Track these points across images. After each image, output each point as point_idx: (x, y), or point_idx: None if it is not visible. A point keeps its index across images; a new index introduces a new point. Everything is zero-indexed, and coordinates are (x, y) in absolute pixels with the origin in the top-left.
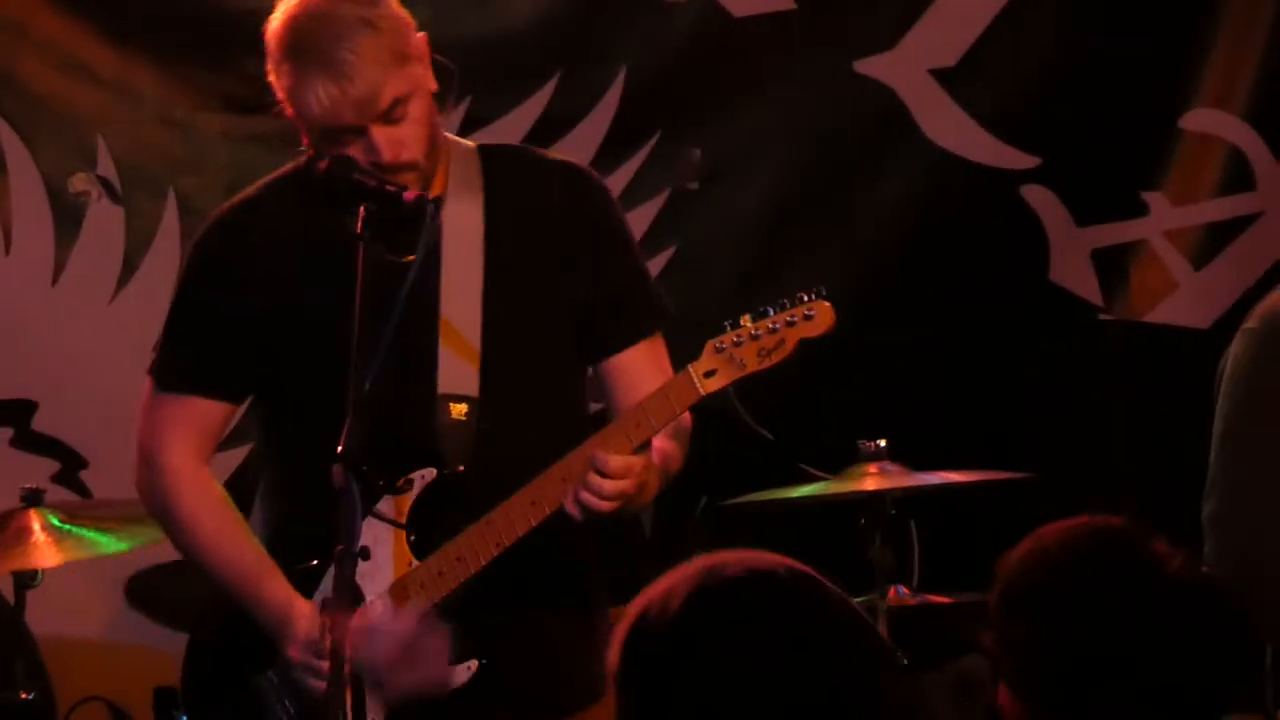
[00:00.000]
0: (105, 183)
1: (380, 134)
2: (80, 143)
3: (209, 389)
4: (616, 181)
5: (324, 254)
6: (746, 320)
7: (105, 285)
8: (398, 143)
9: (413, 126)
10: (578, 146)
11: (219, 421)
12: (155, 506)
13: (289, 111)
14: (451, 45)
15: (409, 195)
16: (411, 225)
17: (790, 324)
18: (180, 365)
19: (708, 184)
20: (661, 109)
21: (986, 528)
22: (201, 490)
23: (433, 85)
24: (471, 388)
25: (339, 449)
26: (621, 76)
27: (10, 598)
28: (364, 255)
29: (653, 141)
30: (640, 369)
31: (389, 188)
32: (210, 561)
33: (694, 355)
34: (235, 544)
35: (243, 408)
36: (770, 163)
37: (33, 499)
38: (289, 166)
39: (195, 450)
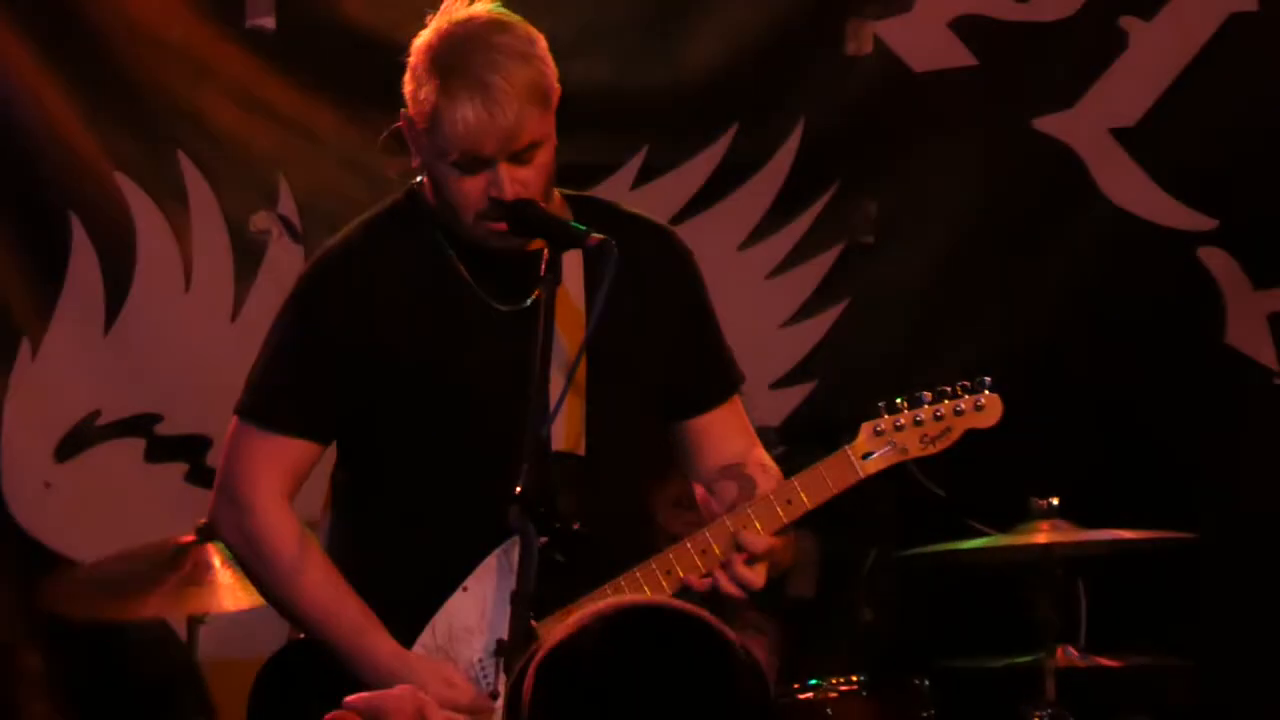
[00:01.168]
0: (286, 221)
1: (507, 171)
2: (262, 181)
3: (302, 429)
4: (792, 234)
5: (423, 296)
6: (902, 403)
7: None
8: (521, 183)
9: (537, 171)
10: (753, 197)
11: (307, 463)
12: (242, 546)
13: (418, 125)
14: (629, 95)
15: (593, 238)
16: (530, 271)
17: (959, 413)
18: (275, 403)
19: (883, 238)
20: (838, 162)
21: (1153, 591)
22: (294, 535)
23: (554, 139)
24: (578, 444)
25: (517, 490)
26: (799, 128)
27: (182, 631)
28: (545, 299)
29: (829, 194)
30: (725, 429)
31: (573, 226)
32: (307, 610)
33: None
34: (336, 593)
35: (329, 449)
36: (946, 218)
37: (208, 533)
38: (386, 204)
39: (283, 491)
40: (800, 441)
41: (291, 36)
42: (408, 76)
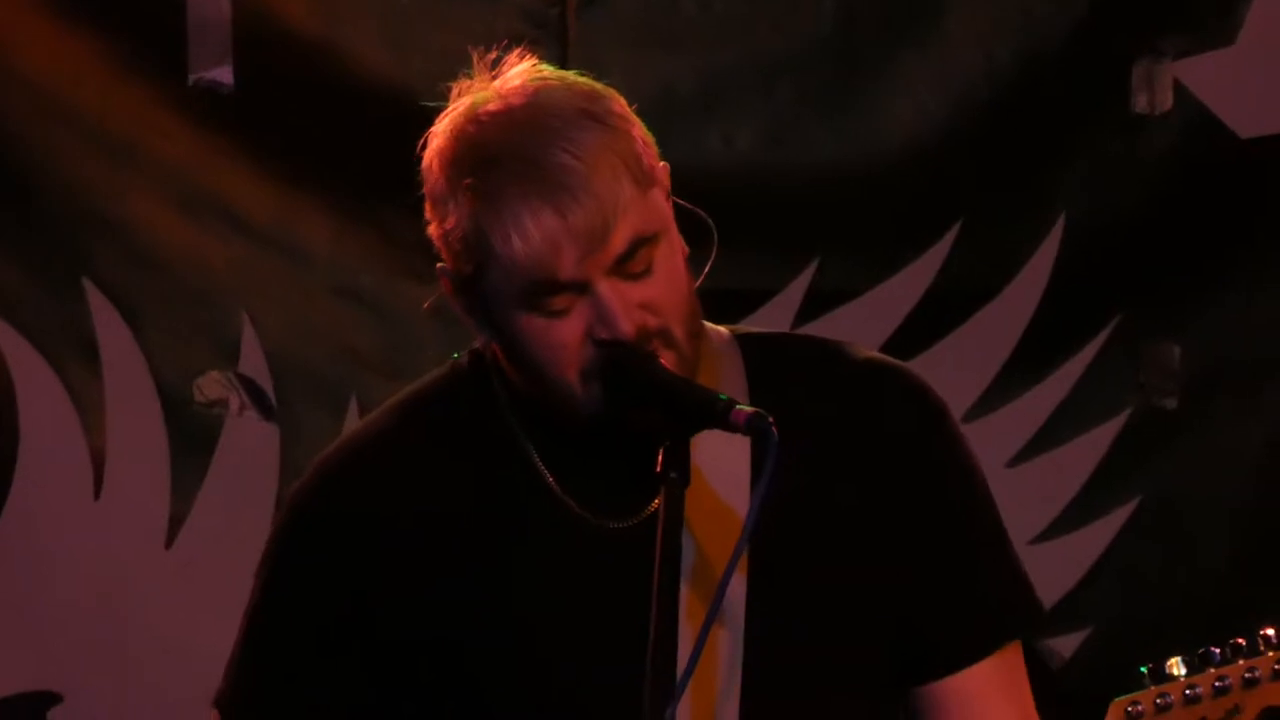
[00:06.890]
0: (250, 387)
1: (614, 290)
2: (214, 323)
3: None
4: (1046, 396)
5: (490, 526)
6: (1177, 667)
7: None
8: (643, 306)
9: (663, 285)
10: (984, 339)
11: None
12: None
13: (463, 271)
14: (789, 187)
15: (739, 412)
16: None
17: (1251, 681)
18: (260, 707)
19: (1192, 401)
20: (1122, 278)
21: None
22: None
23: (680, 241)
24: None
25: None
26: (1058, 229)
27: None
28: (665, 509)
29: (1105, 333)
30: (985, 700)
31: (703, 395)
32: None
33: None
34: None
35: None
36: None
37: None
38: (435, 377)
39: None
40: None
41: (259, 97)
42: (428, 209)
